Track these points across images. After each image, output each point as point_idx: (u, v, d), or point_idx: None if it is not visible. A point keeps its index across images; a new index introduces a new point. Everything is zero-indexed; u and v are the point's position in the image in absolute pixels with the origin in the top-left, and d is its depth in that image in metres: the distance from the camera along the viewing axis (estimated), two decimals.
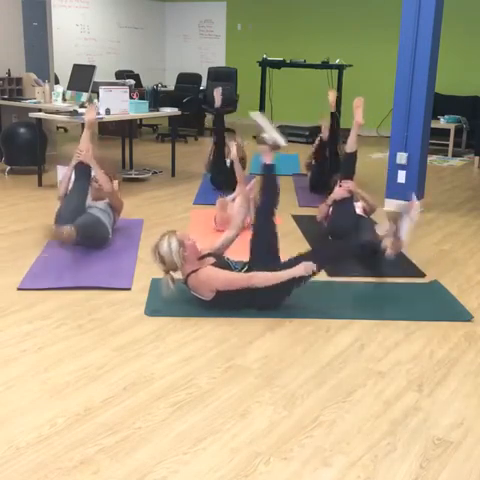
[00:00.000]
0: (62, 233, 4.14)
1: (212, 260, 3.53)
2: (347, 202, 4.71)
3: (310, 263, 3.43)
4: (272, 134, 3.64)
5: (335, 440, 2.36)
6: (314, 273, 3.47)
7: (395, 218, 3.79)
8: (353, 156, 4.88)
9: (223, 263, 3.53)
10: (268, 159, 3.67)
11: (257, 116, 3.72)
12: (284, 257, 3.63)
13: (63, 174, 5.09)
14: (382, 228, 3.81)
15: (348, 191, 4.70)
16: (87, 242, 4.40)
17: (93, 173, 4.84)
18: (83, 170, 4.77)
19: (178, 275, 3.49)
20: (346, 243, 3.98)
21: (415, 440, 2.38)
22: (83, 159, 4.75)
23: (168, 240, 3.42)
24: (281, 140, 3.65)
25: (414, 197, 3.84)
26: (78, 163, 4.79)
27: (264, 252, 3.60)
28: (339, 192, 4.73)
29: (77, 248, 4.42)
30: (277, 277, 3.42)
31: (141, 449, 2.28)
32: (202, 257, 3.56)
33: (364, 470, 2.20)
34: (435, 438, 2.40)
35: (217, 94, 6.83)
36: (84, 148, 4.81)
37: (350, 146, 4.89)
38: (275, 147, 3.66)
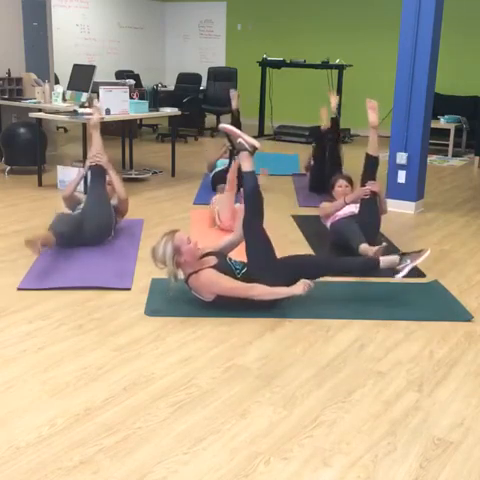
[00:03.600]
0: (40, 239, 4.07)
1: (214, 261, 3.52)
2: (373, 201, 4.69)
3: (308, 282, 3.44)
4: (246, 139, 3.67)
5: (335, 440, 2.36)
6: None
7: (402, 256, 3.76)
8: (376, 159, 4.82)
9: (225, 264, 3.52)
10: (247, 166, 3.66)
11: (225, 127, 3.78)
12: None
13: (74, 175, 5.14)
14: (387, 258, 3.77)
15: (372, 192, 4.67)
16: (92, 224, 4.48)
17: (108, 177, 4.87)
18: (99, 172, 4.80)
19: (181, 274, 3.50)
20: (349, 260, 3.94)
21: (415, 440, 2.38)
22: (102, 163, 4.78)
23: (164, 245, 3.42)
24: (256, 142, 3.68)
25: (428, 251, 3.80)
26: (93, 166, 4.81)
27: (260, 261, 3.61)
28: (363, 192, 4.69)
29: (77, 248, 4.43)
30: (275, 293, 3.45)
31: (141, 449, 2.28)
32: (203, 256, 3.55)
33: (364, 470, 2.20)
34: (435, 438, 2.40)
35: (233, 97, 6.88)
36: (99, 151, 4.83)
37: (370, 148, 4.83)
38: (253, 151, 3.68)
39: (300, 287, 3.42)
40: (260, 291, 3.42)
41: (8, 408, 2.52)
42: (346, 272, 3.84)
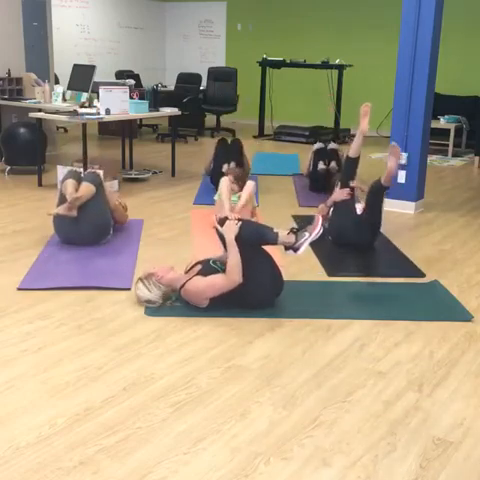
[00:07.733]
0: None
1: (198, 269, 3.54)
2: (348, 204, 4.69)
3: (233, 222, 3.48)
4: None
5: (335, 440, 2.36)
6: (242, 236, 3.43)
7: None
8: (356, 161, 4.84)
9: (208, 268, 3.52)
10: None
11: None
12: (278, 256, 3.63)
13: (60, 184, 5.09)
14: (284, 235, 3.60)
15: (348, 193, 4.69)
16: (88, 220, 4.44)
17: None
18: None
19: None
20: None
21: (415, 440, 2.38)
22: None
23: (137, 286, 3.54)
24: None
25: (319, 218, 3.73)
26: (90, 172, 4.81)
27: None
28: (339, 194, 4.72)
29: (77, 248, 4.44)
30: (234, 253, 3.38)
31: (141, 449, 2.28)
32: (190, 268, 3.58)
33: (364, 470, 2.20)
34: (435, 438, 2.40)
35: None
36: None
37: (354, 151, 4.82)
38: None
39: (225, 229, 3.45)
40: (230, 266, 3.36)
41: (8, 408, 2.52)
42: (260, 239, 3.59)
